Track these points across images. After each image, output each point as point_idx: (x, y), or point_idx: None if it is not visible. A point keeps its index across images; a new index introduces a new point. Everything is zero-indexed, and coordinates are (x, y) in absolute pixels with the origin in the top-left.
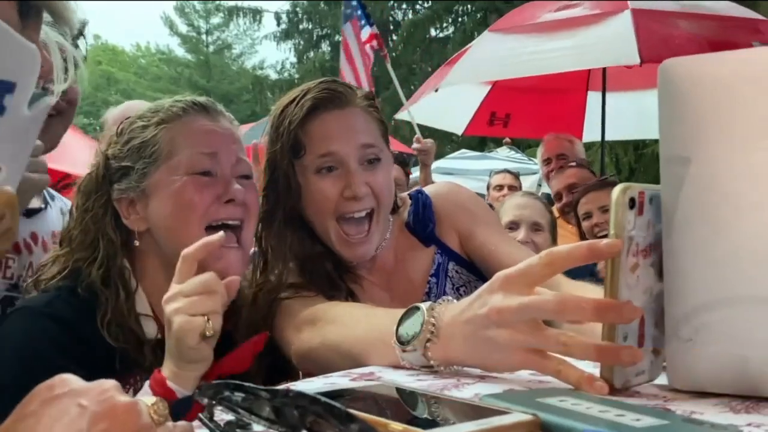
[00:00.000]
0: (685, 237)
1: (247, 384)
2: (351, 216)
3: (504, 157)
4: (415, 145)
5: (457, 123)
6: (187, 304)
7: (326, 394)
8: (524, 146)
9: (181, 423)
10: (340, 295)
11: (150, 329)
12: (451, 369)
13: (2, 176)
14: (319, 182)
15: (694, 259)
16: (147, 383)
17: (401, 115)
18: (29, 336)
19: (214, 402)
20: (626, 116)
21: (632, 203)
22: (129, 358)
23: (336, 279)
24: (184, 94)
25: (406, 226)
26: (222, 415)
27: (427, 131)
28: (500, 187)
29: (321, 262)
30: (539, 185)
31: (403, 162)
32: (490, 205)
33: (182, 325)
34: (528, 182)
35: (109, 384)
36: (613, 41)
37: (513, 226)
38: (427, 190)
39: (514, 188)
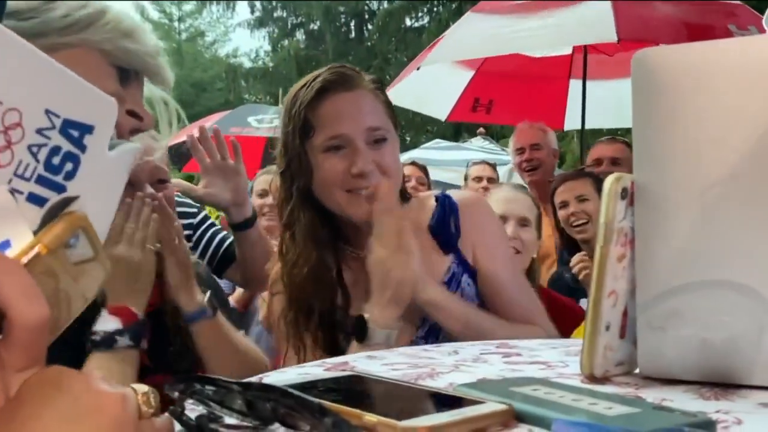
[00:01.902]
0: (656, 224)
1: (218, 377)
2: (359, 192)
3: (478, 148)
4: None
5: (440, 109)
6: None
7: (300, 385)
8: (498, 136)
9: (163, 416)
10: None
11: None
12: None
13: (78, 204)
14: (328, 160)
15: (664, 247)
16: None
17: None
18: None
19: (185, 395)
20: (606, 105)
21: (624, 193)
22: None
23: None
24: None
25: (429, 228)
26: (192, 408)
27: (413, 114)
28: (479, 179)
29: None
30: (511, 176)
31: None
32: None
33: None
34: (500, 173)
35: (98, 373)
36: (592, 21)
37: (501, 220)
38: (455, 196)
39: (493, 180)
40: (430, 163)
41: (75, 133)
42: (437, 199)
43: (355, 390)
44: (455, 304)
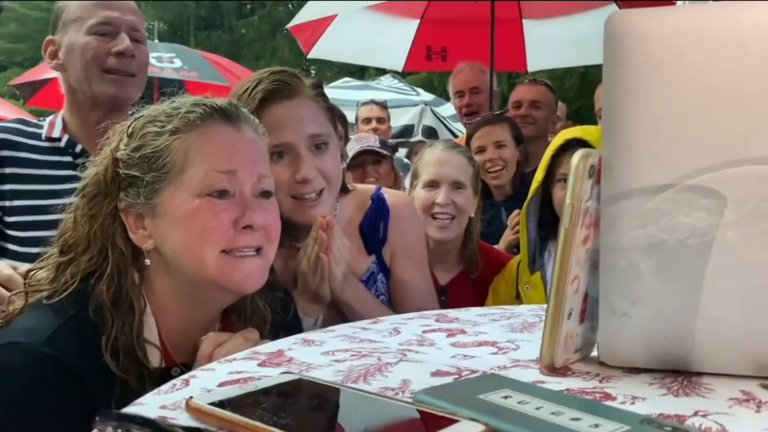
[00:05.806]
0: (623, 202)
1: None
2: (303, 197)
3: (386, 87)
4: None
5: (394, 59)
6: None
7: (239, 399)
8: (404, 74)
9: None
10: None
11: (154, 358)
12: None
13: None
14: (273, 168)
15: (631, 226)
16: None
17: (315, 54)
18: (28, 386)
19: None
20: (563, 43)
21: (591, 171)
22: (129, 390)
23: None
24: (204, 96)
25: (359, 226)
26: None
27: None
28: (368, 120)
29: None
30: (422, 117)
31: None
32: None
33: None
34: (409, 114)
35: None
36: None
37: (433, 185)
38: (389, 199)
39: (383, 120)
40: (341, 103)
41: None
42: (372, 199)
43: (305, 406)
44: (363, 307)
